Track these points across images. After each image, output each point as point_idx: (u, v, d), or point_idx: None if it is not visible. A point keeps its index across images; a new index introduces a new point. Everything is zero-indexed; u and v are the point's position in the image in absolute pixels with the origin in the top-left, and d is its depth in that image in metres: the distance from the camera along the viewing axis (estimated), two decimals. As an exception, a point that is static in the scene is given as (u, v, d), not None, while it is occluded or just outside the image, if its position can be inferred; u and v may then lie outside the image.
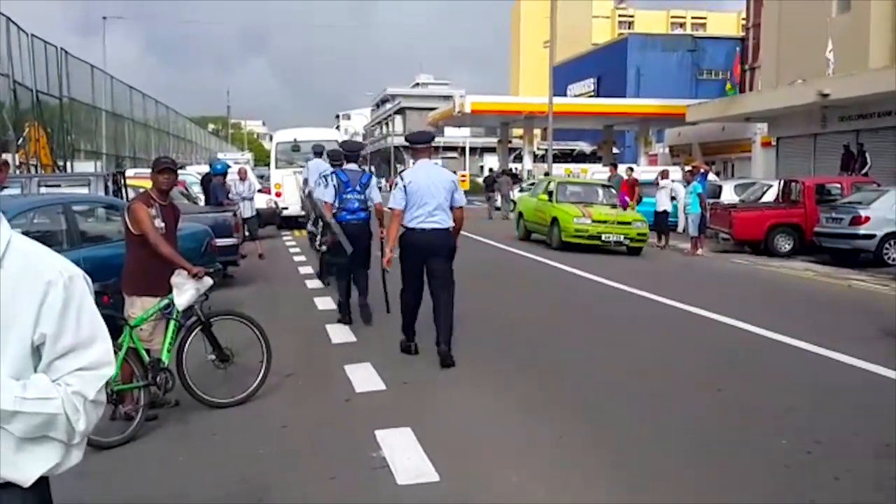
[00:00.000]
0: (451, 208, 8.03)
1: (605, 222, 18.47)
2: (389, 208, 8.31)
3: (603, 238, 18.36)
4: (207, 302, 6.64)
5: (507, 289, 13.46)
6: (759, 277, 14.92)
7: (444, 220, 7.98)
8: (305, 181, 14.69)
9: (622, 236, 18.37)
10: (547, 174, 32.96)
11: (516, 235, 22.59)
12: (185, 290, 6.31)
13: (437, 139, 66.66)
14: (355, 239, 9.69)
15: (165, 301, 6.33)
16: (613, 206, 19.49)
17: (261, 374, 6.88)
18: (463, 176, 40.80)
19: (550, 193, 20.45)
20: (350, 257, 9.69)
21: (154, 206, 6.36)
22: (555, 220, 19.28)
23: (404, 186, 8.04)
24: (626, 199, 21.35)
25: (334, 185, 9.89)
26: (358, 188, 9.88)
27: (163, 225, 6.39)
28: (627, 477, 5.04)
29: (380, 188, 10.61)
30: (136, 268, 6.28)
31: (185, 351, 6.47)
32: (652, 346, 8.89)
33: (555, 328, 9.96)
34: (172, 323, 6.38)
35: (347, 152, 10.45)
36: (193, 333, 6.57)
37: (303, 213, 12.88)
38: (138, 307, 6.25)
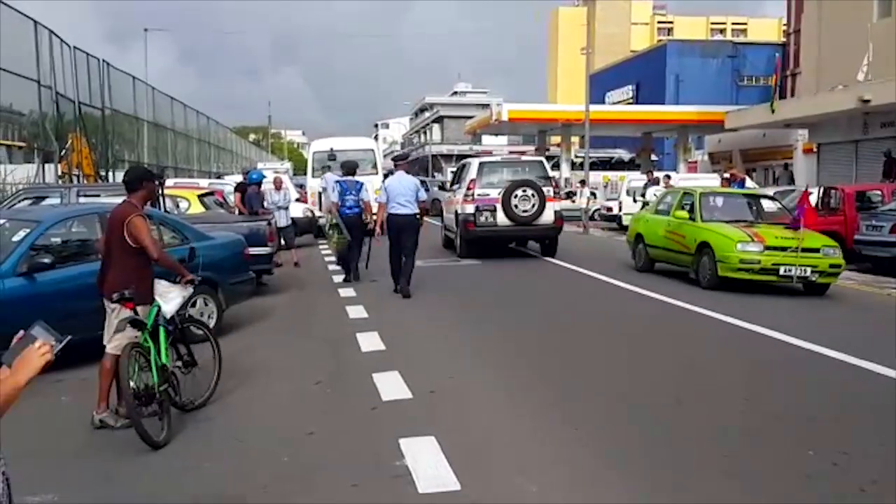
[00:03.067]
0: (418, 201, 13.11)
1: (783, 249, 12.94)
2: (378, 201, 13.54)
3: (781, 272, 12.88)
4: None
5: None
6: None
7: (411, 208, 12.98)
8: (324, 189, 17.53)
9: (808, 268, 12.85)
10: (583, 182, 32.80)
11: (632, 265, 16.67)
12: (171, 298, 6.52)
13: (473, 147, 66.61)
14: (352, 225, 14.37)
15: (154, 309, 6.46)
16: (785, 226, 13.67)
17: (215, 377, 7.12)
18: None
19: (691, 208, 14.83)
20: (350, 237, 14.43)
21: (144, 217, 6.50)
22: (705, 247, 13.76)
23: (385, 188, 13.33)
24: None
25: (338, 191, 14.59)
26: (353, 192, 14.42)
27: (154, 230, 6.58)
28: (651, 487, 5.02)
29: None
30: (131, 277, 6.35)
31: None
32: (677, 350, 8.83)
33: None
34: (161, 329, 6.49)
35: (347, 170, 14.96)
36: (174, 341, 6.75)
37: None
38: (122, 314, 6.34)
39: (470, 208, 17.97)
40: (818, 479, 5.11)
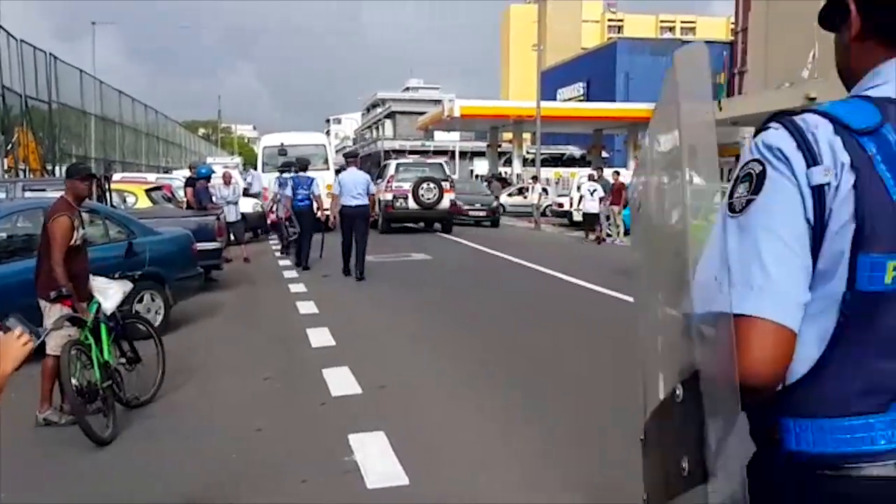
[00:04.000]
0: (368, 194, 14.58)
1: None
2: (332, 193, 15.20)
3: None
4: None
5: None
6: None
7: (362, 200, 14.43)
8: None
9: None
10: (535, 178, 33.00)
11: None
12: (111, 294, 6.44)
13: (425, 143, 66.63)
14: (303, 215, 16.34)
15: (94, 307, 6.38)
16: None
17: (160, 374, 7.05)
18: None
19: None
20: (301, 228, 16.25)
21: (76, 215, 6.39)
22: None
23: (339, 182, 14.77)
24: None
25: (291, 186, 16.65)
26: (305, 187, 16.52)
27: (83, 232, 6.47)
28: (601, 482, 5.07)
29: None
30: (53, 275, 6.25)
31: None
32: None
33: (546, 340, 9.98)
34: (102, 326, 6.41)
35: (299, 167, 17.18)
36: (117, 337, 6.69)
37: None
38: (55, 312, 6.25)
39: (389, 196, 24.19)
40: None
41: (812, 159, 1.41)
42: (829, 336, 1.42)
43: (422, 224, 25.78)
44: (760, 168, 1.45)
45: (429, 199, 24.13)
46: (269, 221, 19.51)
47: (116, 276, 6.66)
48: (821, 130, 1.44)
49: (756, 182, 1.44)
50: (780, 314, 1.38)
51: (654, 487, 1.55)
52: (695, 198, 1.36)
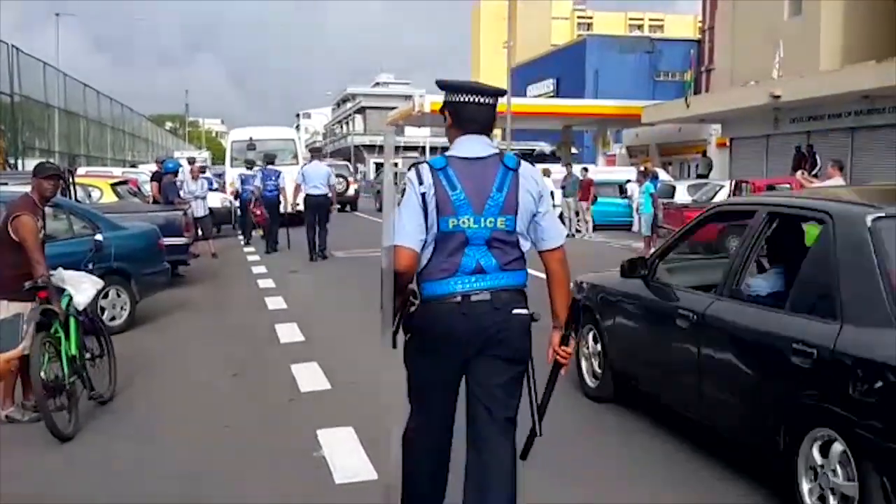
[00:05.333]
0: (329, 185, 16.58)
1: None
2: (297, 183, 16.92)
3: None
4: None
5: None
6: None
7: (323, 190, 16.38)
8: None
9: None
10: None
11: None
12: (84, 289, 6.38)
13: (397, 139, 66.50)
14: (271, 203, 18.18)
15: (65, 300, 6.31)
16: None
17: (113, 367, 6.94)
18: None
19: None
20: (270, 216, 18.17)
21: (39, 214, 6.32)
22: None
23: (303, 173, 16.69)
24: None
25: (261, 177, 18.55)
26: (273, 179, 18.39)
27: (43, 231, 6.40)
28: (567, 471, 5.08)
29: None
30: (9, 272, 6.16)
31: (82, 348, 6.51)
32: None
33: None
34: (73, 320, 6.33)
35: (269, 161, 19.00)
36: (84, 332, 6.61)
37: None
38: (3, 310, 6.15)
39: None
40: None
41: (420, 182, 3.46)
42: (432, 249, 3.49)
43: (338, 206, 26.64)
44: (405, 186, 3.47)
45: (339, 189, 26.95)
46: (255, 219, 19.46)
47: (89, 268, 6.61)
48: (424, 169, 3.50)
49: (404, 191, 3.46)
50: (409, 244, 3.41)
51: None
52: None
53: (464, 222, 3.43)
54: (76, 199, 12.86)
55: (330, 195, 16.68)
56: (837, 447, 3.95)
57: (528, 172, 3.55)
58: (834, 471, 3.96)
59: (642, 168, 20.53)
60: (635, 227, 20.25)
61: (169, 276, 11.07)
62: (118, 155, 40.74)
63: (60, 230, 9.05)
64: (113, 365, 6.96)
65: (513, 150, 36.65)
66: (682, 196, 23.29)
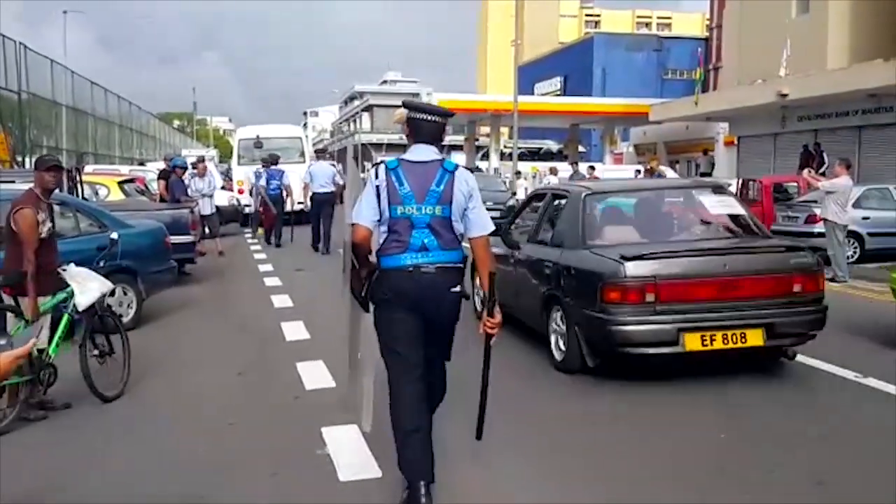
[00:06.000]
0: (334, 184, 17.49)
1: None
2: (303, 181, 18.51)
3: None
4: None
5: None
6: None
7: (329, 188, 17.45)
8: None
9: None
10: (519, 174, 32.98)
11: None
12: (89, 290, 6.39)
13: (403, 136, 66.67)
14: (275, 201, 19.27)
15: (63, 295, 6.34)
16: None
17: (127, 366, 7.00)
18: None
19: None
20: (274, 210, 19.23)
21: (43, 207, 6.34)
22: None
23: (310, 173, 18.08)
24: None
25: (265, 177, 19.51)
26: (276, 178, 19.45)
27: (51, 225, 6.41)
28: (572, 476, 5.10)
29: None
30: (13, 266, 6.22)
31: (87, 346, 6.54)
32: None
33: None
34: (66, 318, 6.37)
35: (273, 161, 19.92)
36: (93, 330, 6.66)
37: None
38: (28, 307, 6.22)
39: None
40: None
41: (377, 177, 4.49)
42: (387, 231, 4.51)
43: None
44: (366, 180, 4.54)
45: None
46: (261, 217, 20.17)
47: (100, 265, 6.65)
48: (381, 168, 4.53)
49: (366, 184, 4.52)
50: (363, 222, 4.48)
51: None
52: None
53: (409, 210, 4.48)
54: (83, 196, 12.90)
55: (335, 193, 17.65)
56: (559, 312, 7.57)
57: (462, 175, 4.59)
58: (559, 325, 7.56)
59: (648, 166, 20.39)
60: None
61: (175, 273, 11.10)
62: (126, 153, 40.78)
63: (67, 228, 9.08)
64: (126, 364, 7.00)
65: (520, 148, 36.73)
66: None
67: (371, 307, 4.66)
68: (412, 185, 4.49)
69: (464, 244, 4.63)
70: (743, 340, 6.79)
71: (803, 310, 7.05)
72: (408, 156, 4.63)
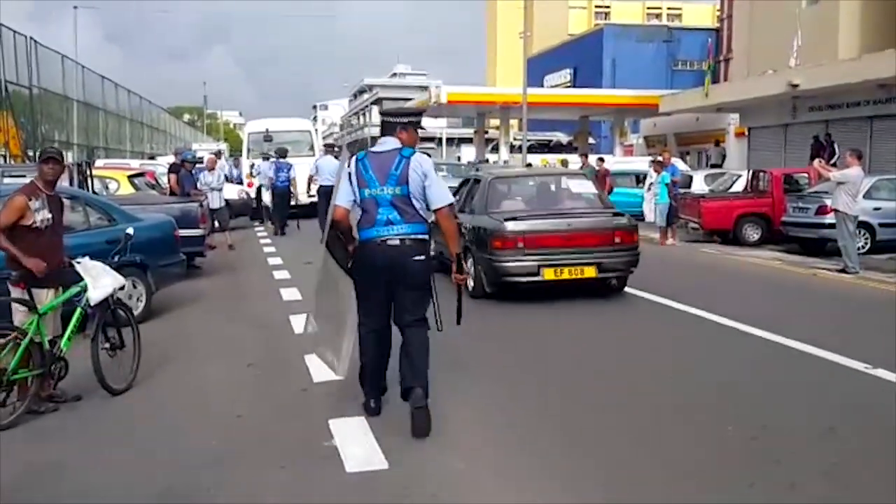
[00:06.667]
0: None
1: None
2: (311, 176, 20.16)
3: None
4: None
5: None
6: (725, 266, 15.04)
7: (333, 181, 17.84)
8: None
9: None
10: (529, 166, 32.91)
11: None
12: (102, 285, 6.42)
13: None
14: (282, 193, 20.62)
15: (76, 289, 6.37)
16: None
17: (137, 358, 7.05)
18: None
19: None
20: (281, 203, 20.67)
21: (40, 196, 6.36)
22: None
23: (317, 166, 19.28)
24: None
25: (274, 169, 20.70)
26: (285, 171, 20.59)
27: (49, 216, 6.42)
28: (574, 466, 5.10)
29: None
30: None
31: (98, 340, 6.58)
32: (615, 336, 8.99)
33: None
34: (79, 311, 6.40)
35: (281, 154, 21.19)
36: (105, 324, 6.70)
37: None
38: (45, 298, 6.30)
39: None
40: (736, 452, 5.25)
41: (349, 167, 5.72)
42: (361, 210, 5.63)
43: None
44: (345, 165, 5.79)
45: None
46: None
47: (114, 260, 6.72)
48: (353, 159, 5.72)
49: (341, 169, 5.81)
50: (341, 203, 5.72)
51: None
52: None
53: (374, 191, 5.60)
54: (93, 191, 12.96)
55: None
56: (470, 258, 10.87)
57: (417, 159, 5.62)
58: (470, 267, 10.80)
59: (659, 158, 20.29)
60: (648, 217, 19.69)
61: (185, 267, 11.13)
62: (137, 147, 40.94)
63: (77, 222, 9.14)
64: (137, 358, 7.04)
65: (529, 140, 36.66)
66: (699, 186, 23.23)
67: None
68: (375, 170, 5.60)
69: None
70: (581, 273, 10.49)
71: (622, 254, 10.78)
72: (374, 147, 5.88)
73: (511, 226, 10.44)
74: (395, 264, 5.55)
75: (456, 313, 5.87)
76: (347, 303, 5.84)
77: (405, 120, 5.89)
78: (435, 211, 5.62)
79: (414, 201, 5.55)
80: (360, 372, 6.01)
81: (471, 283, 10.60)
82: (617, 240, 10.72)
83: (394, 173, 5.53)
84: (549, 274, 10.35)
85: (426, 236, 5.65)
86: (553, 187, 12.46)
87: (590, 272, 10.48)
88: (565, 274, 10.42)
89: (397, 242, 5.54)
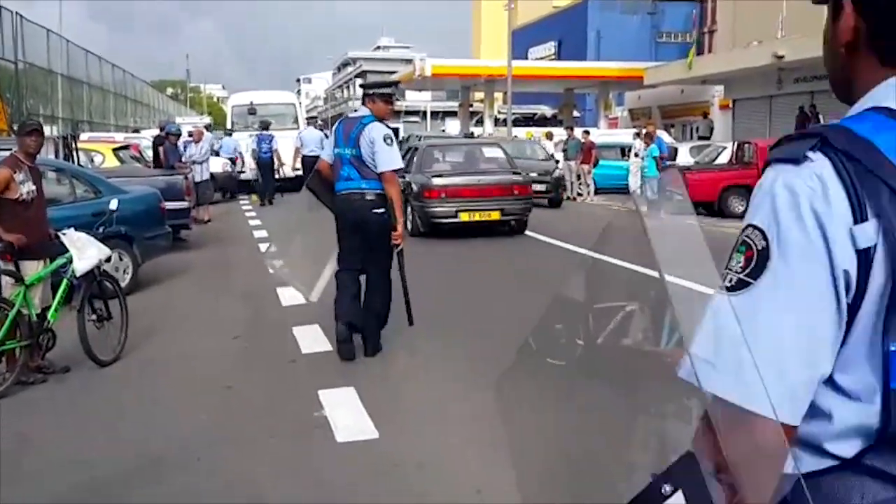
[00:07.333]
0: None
1: None
2: (296, 148, 21.31)
3: None
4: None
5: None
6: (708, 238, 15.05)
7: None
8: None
9: None
10: (515, 139, 32.86)
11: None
12: (88, 256, 6.41)
13: (398, 103, 66.18)
14: (266, 164, 21.26)
15: (62, 260, 6.37)
16: None
17: (124, 330, 7.06)
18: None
19: None
20: (265, 175, 21.35)
21: (23, 169, 6.35)
22: None
23: (301, 138, 21.30)
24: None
25: (257, 141, 21.43)
26: (267, 142, 21.24)
27: (34, 188, 6.41)
28: (561, 440, 5.14)
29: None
30: (16, 232, 6.23)
31: (85, 311, 6.56)
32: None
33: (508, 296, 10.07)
34: (65, 282, 6.40)
35: (263, 127, 21.77)
36: (91, 295, 6.68)
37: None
38: (31, 270, 6.29)
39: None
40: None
41: (332, 131, 7.10)
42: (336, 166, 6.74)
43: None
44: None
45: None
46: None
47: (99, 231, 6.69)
48: (335, 126, 7.11)
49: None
50: (325, 157, 6.92)
51: None
52: None
53: (340, 151, 6.54)
54: (79, 163, 12.88)
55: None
56: (409, 207, 13.84)
57: (368, 127, 6.45)
58: (411, 214, 14.16)
59: (644, 131, 20.28)
60: (633, 189, 19.77)
61: (170, 239, 11.08)
62: (121, 121, 40.56)
63: (63, 194, 9.10)
64: (124, 329, 7.04)
65: (514, 114, 36.60)
66: (684, 158, 23.27)
67: None
68: (343, 133, 6.58)
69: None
70: (489, 216, 14.09)
71: (519, 202, 14.46)
72: (350, 113, 7.14)
73: (437, 181, 14.00)
74: (357, 216, 6.48)
75: (406, 311, 6.80)
76: (332, 241, 6.74)
77: (371, 91, 6.75)
78: (379, 175, 6.42)
79: (367, 161, 6.42)
80: (335, 304, 6.74)
81: (409, 226, 13.56)
82: (515, 192, 14.35)
83: (352, 136, 6.47)
84: (464, 216, 13.91)
85: (381, 192, 6.46)
86: (472, 153, 15.99)
87: (495, 215, 14.13)
88: (476, 216, 13.97)
89: (357, 196, 6.47)
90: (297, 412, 5.55)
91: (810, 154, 1.09)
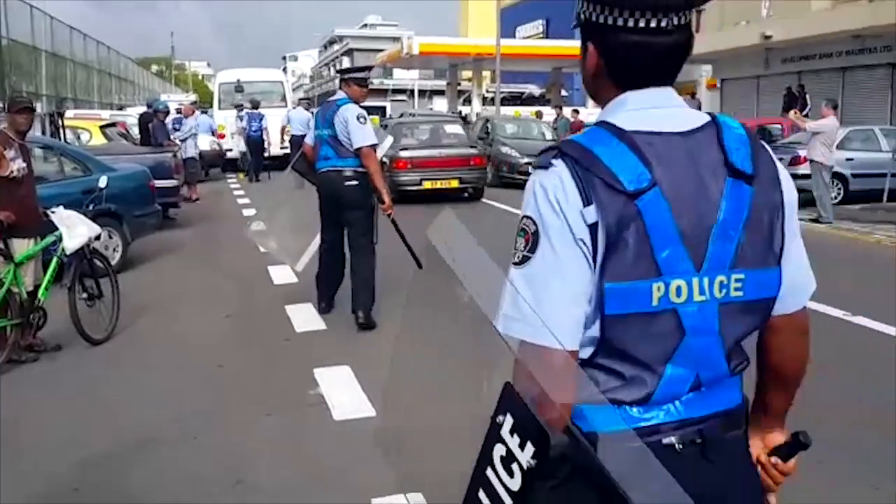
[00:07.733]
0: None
1: None
2: (283, 127, 21.97)
3: None
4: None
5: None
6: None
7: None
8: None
9: None
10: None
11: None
12: (77, 234, 6.37)
13: (384, 81, 65.85)
14: (255, 142, 21.67)
15: (52, 238, 6.32)
16: None
17: (116, 308, 7.02)
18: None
19: None
20: (254, 153, 21.76)
21: (14, 146, 6.27)
22: None
23: (289, 118, 21.40)
24: None
25: (247, 120, 21.79)
26: (257, 121, 21.62)
27: (24, 165, 6.34)
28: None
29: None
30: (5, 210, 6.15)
31: (76, 289, 6.52)
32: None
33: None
34: (55, 261, 6.35)
35: (253, 106, 22.07)
36: (82, 274, 6.64)
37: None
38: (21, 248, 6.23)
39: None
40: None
41: (315, 115, 7.81)
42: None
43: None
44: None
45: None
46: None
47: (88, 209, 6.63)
48: (317, 110, 8.23)
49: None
50: (308, 140, 7.46)
51: None
52: None
53: (319, 131, 7.03)
54: (66, 141, 12.77)
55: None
56: None
57: (342, 109, 6.88)
58: None
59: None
60: None
61: (160, 217, 11.02)
62: (105, 98, 40.22)
63: (52, 172, 9.02)
64: (115, 308, 6.99)
65: (502, 93, 36.49)
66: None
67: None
68: (322, 115, 7.11)
69: None
70: (449, 184, 16.19)
71: (475, 172, 16.72)
72: (329, 98, 7.42)
73: (404, 153, 16.12)
74: (334, 190, 6.95)
75: (413, 259, 6.77)
76: (317, 215, 7.25)
77: (347, 76, 7.24)
78: (356, 151, 6.82)
79: (343, 141, 6.85)
80: (317, 276, 7.43)
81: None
82: (472, 163, 16.59)
83: (328, 118, 6.94)
84: (427, 185, 15.99)
85: (359, 168, 6.89)
86: (436, 129, 17.78)
87: (454, 184, 16.32)
88: (438, 184, 16.07)
89: (334, 173, 6.93)
90: (292, 390, 5.53)
91: (553, 161, 1.53)
